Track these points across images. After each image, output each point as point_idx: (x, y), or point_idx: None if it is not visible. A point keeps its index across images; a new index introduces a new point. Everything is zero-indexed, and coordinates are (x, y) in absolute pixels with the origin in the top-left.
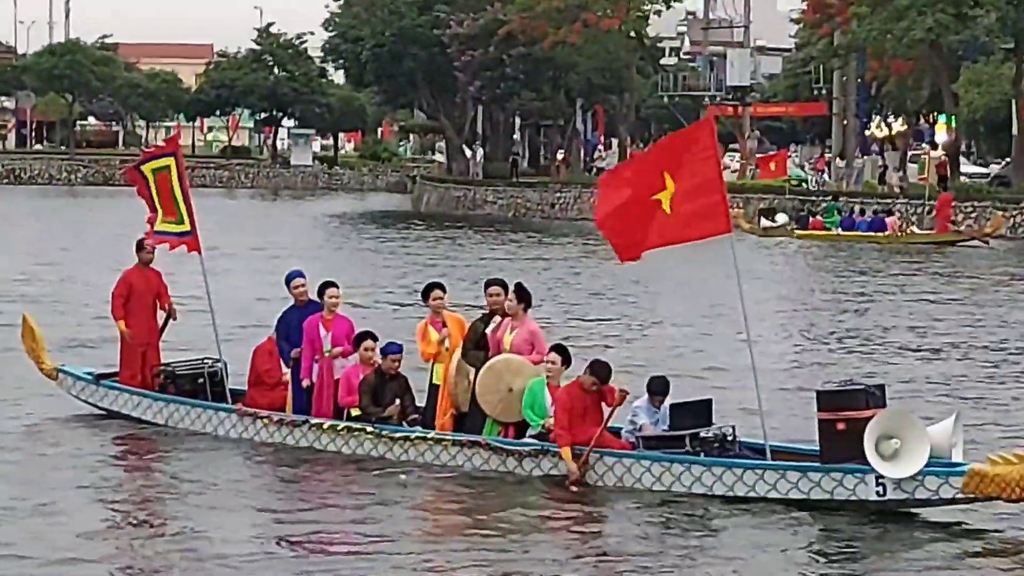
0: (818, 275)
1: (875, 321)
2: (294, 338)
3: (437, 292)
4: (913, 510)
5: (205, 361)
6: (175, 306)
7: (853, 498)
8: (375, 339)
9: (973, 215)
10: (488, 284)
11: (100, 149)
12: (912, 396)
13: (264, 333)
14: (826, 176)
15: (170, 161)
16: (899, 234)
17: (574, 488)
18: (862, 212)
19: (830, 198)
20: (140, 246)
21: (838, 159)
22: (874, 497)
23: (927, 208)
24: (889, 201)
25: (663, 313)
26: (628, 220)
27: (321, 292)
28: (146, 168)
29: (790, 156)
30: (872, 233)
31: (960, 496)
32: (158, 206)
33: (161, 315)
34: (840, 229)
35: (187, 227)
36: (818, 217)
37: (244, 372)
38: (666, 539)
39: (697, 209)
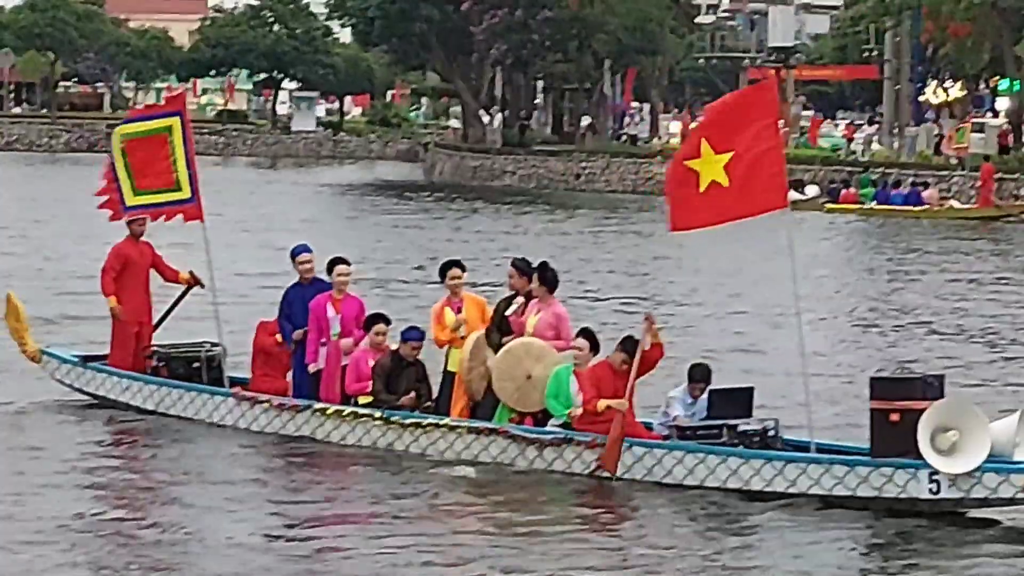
0: (853, 252)
1: (920, 304)
2: (297, 318)
3: (455, 271)
4: (970, 511)
5: (203, 345)
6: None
7: (904, 496)
8: (388, 322)
9: None
10: (511, 264)
11: (84, 113)
12: (970, 386)
13: (261, 315)
14: (853, 144)
15: (173, 121)
16: (937, 208)
17: (612, 459)
18: (897, 184)
19: (861, 169)
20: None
21: (866, 125)
22: (927, 495)
23: (967, 181)
24: (944, 173)
25: (696, 293)
26: (672, 185)
27: (330, 269)
28: (119, 132)
29: (834, 123)
30: (908, 207)
31: (1021, 496)
32: (127, 177)
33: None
34: (874, 202)
35: (187, 194)
36: (851, 190)
37: (244, 358)
38: (696, 537)
39: (756, 182)
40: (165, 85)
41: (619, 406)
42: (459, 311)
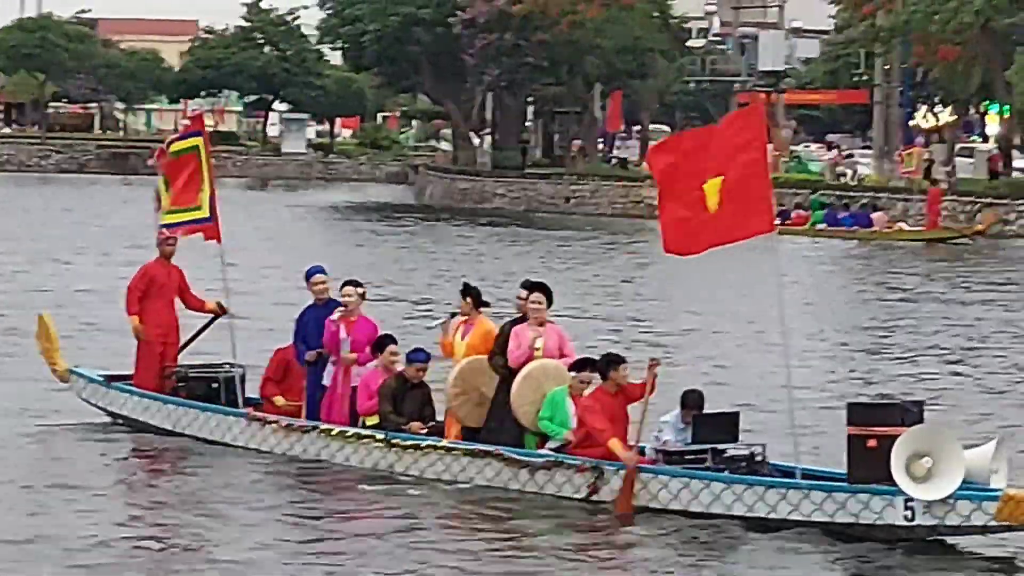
0: (809, 275)
1: (886, 327)
2: (312, 339)
3: (466, 299)
4: (946, 538)
5: (222, 366)
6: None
7: (880, 522)
8: (396, 343)
9: None
10: (522, 286)
11: (74, 133)
12: (950, 410)
13: (273, 335)
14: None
15: (197, 141)
16: (886, 230)
17: (629, 495)
18: (846, 207)
19: (809, 191)
20: (163, 237)
21: (825, 149)
22: (902, 522)
23: (915, 203)
24: (904, 195)
25: (673, 314)
26: (670, 210)
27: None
28: (173, 149)
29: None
30: (857, 229)
31: (994, 524)
32: (165, 195)
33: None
34: (824, 225)
35: (206, 212)
36: (800, 212)
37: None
38: (679, 561)
39: (745, 206)
40: (156, 106)
41: (626, 460)
42: (465, 335)
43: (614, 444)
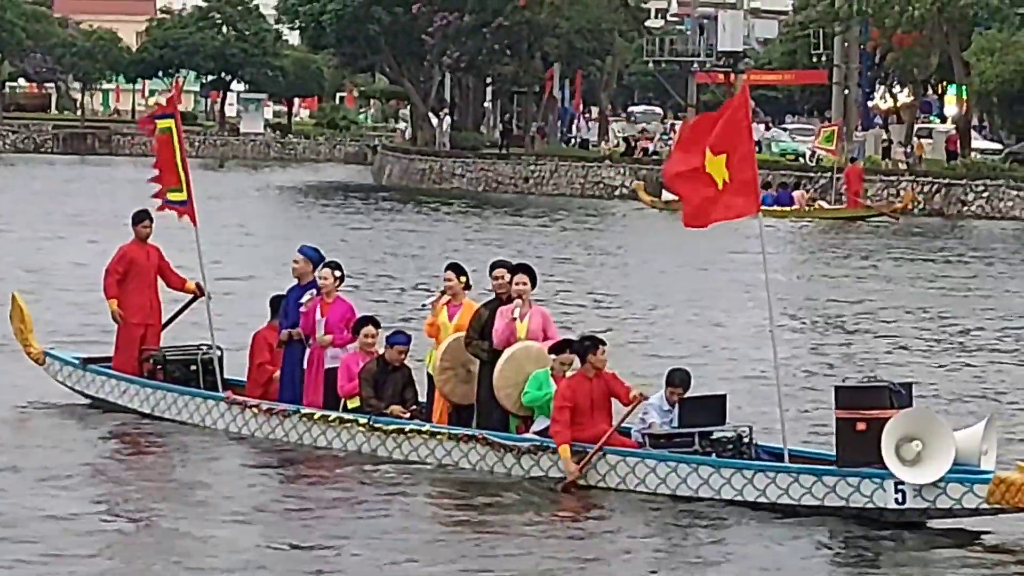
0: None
1: (840, 304)
2: (292, 318)
3: (448, 274)
4: (936, 521)
5: (200, 348)
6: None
7: (870, 506)
8: (376, 325)
9: (984, 195)
10: (493, 267)
11: (31, 113)
12: (934, 396)
13: (249, 316)
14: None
15: (170, 123)
16: (806, 208)
17: (568, 491)
18: (767, 185)
19: (766, 172)
20: (138, 219)
21: (764, 127)
22: (892, 505)
23: (833, 182)
24: (892, 178)
25: (644, 298)
26: (685, 185)
27: None
28: (160, 126)
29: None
30: (778, 208)
31: (985, 507)
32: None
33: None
34: None
35: (184, 195)
36: None
37: (239, 361)
38: (666, 545)
39: (736, 186)
40: (113, 86)
41: (564, 461)
42: (452, 316)
43: (563, 452)
